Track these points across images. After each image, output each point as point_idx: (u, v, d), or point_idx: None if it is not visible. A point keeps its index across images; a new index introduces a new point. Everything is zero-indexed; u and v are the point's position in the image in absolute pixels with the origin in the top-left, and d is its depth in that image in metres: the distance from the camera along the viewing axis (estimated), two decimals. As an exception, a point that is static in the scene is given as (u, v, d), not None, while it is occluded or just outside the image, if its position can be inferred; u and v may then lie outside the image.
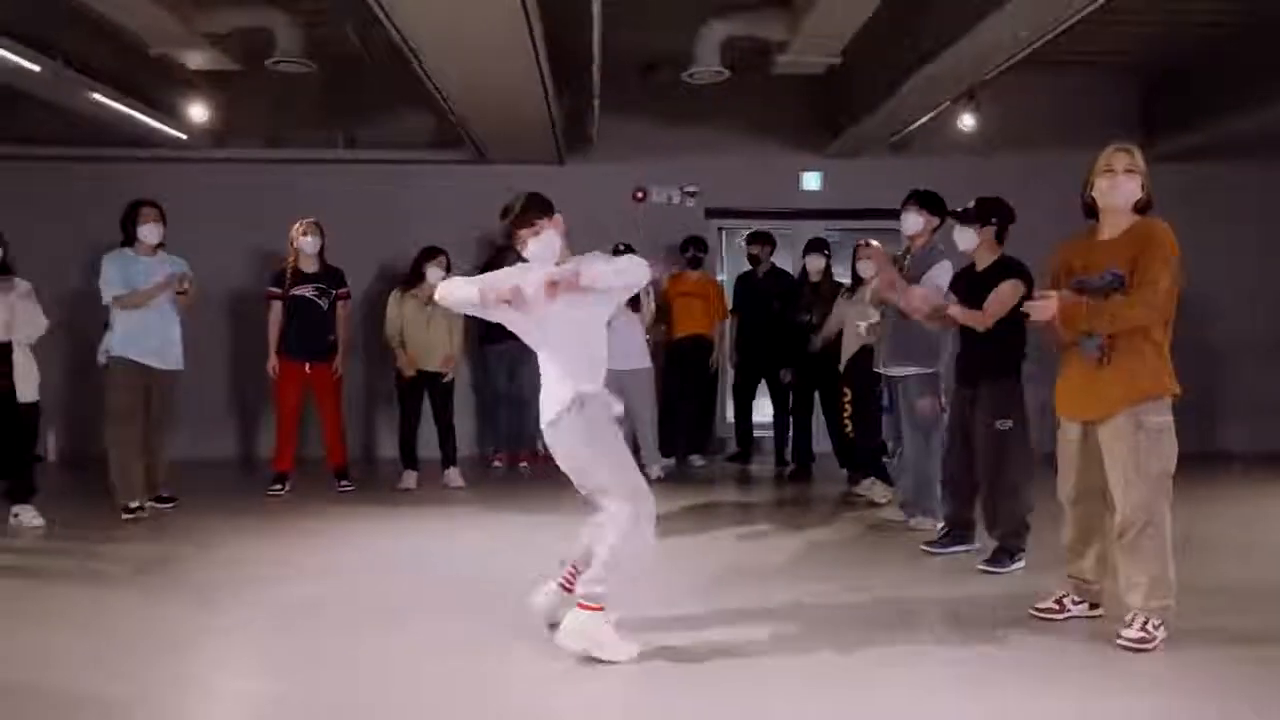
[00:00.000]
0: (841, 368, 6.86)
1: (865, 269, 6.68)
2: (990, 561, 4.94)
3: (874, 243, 6.22)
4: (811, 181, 9.39)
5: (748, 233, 8.90)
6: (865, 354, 6.41)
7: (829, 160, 9.33)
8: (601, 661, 3.59)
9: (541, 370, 3.86)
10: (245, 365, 8.85)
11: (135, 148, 8.59)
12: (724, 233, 9.82)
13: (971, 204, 5.12)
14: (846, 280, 7.42)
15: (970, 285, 5.10)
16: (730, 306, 8.70)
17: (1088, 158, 3.98)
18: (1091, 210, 3.95)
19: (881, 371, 6.03)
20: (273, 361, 7.16)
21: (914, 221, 5.90)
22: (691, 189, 9.33)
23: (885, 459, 6.25)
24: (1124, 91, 9.27)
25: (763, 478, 8.37)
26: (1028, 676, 3.56)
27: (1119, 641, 3.73)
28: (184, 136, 8.38)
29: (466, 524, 6.45)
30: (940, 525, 5.78)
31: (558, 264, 3.78)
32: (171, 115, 8.12)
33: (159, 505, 6.54)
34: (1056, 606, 4.14)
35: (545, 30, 5.78)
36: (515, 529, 6.21)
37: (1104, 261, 3.80)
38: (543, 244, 3.81)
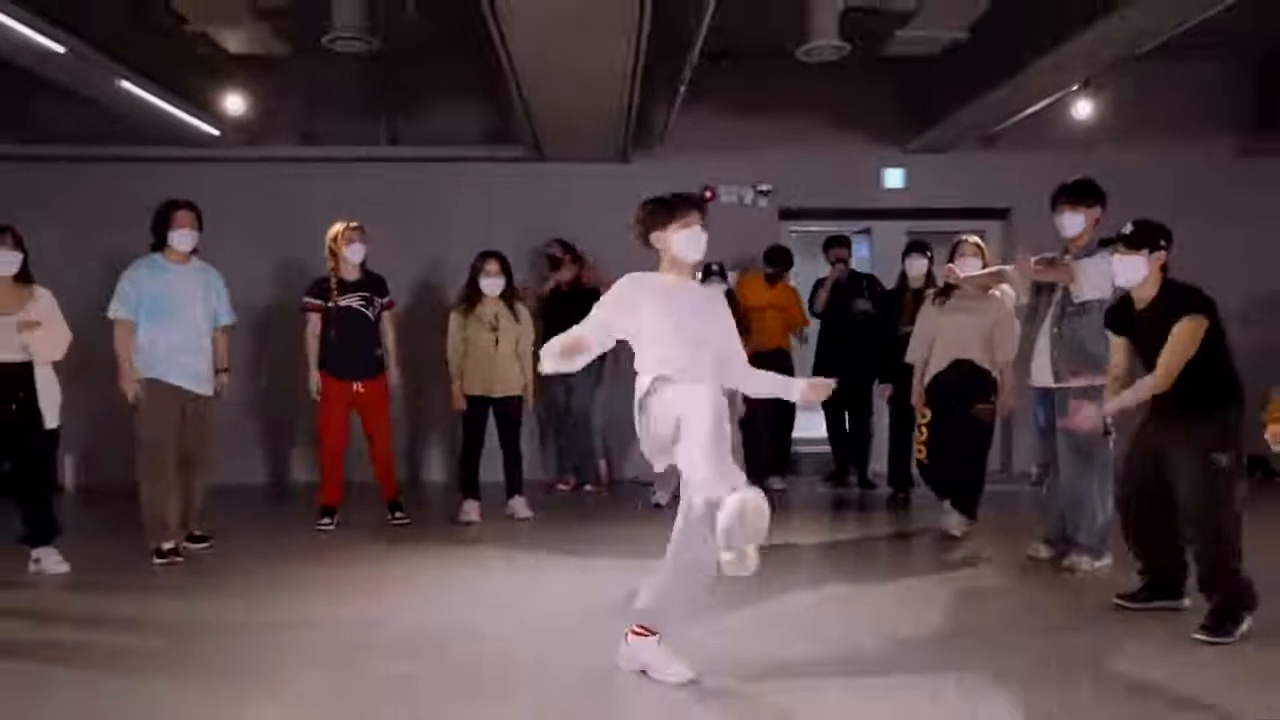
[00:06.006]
0: (925, 383, 6.09)
1: (967, 266, 5.91)
2: (1210, 629, 4.02)
3: (1031, 258, 5.18)
4: (894, 179, 8.63)
5: (826, 238, 8.14)
6: (955, 370, 5.71)
7: (911, 156, 8.60)
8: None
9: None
10: (274, 383, 8.09)
11: (155, 145, 7.81)
12: (794, 236, 9.06)
13: (1129, 227, 4.19)
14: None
15: (1130, 327, 4.30)
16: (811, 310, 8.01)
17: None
18: None
19: (1035, 384, 5.27)
20: (315, 380, 6.40)
21: (1074, 221, 5.15)
22: (765, 188, 8.55)
23: (1032, 486, 5.49)
24: (1237, 77, 8.46)
25: (847, 501, 7.68)
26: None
27: None
28: (217, 132, 7.58)
29: (550, 564, 5.57)
30: (1099, 565, 5.14)
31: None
32: (202, 108, 7.34)
33: (192, 545, 5.78)
34: None
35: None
36: (605, 570, 5.29)
37: None
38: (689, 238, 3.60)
